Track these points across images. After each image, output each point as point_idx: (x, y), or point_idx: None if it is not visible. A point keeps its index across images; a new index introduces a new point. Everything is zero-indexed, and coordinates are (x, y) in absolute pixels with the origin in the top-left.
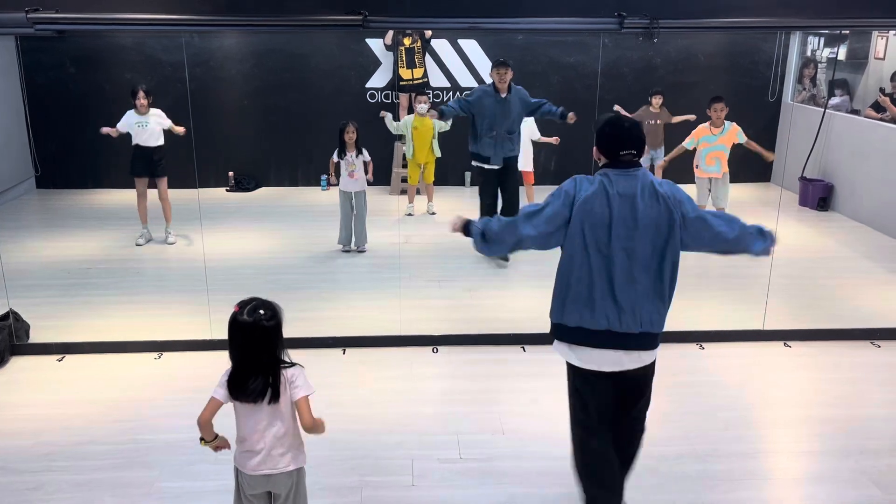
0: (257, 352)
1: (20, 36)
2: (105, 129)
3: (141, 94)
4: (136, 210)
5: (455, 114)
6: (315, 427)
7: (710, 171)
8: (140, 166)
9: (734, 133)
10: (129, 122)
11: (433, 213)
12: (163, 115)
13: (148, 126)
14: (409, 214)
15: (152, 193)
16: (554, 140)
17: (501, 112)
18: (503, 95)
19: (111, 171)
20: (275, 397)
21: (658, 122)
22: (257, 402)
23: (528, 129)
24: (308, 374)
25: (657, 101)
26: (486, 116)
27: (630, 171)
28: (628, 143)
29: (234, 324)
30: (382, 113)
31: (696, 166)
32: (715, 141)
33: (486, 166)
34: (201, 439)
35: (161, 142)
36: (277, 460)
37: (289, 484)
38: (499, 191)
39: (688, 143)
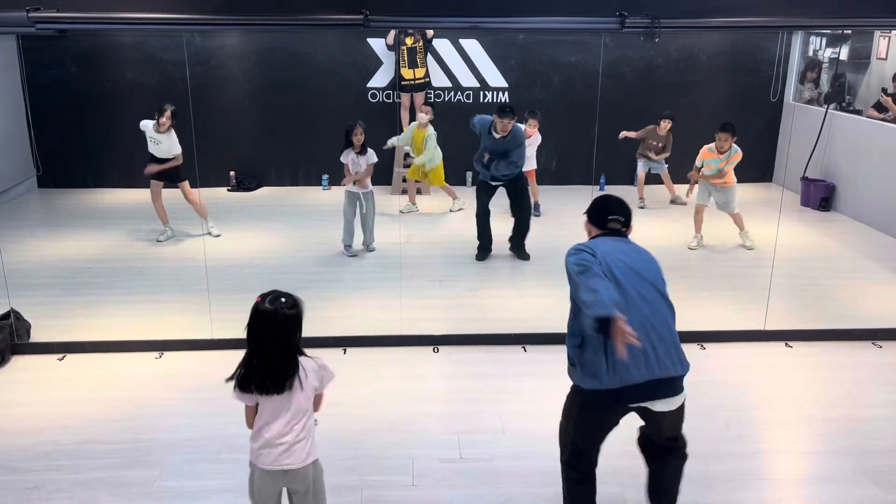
0: (280, 340)
1: (21, 35)
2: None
3: (167, 114)
4: (137, 209)
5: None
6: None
7: (712, 179)
8: (155, 171)
9: (737, 158)
10: (145, 130)
11: (461, 209)
12: (175, 139)
13: (161, 145)
14: (410, 211)
15: (167, 192)
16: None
17: (500, 146)
18: (503, 137)
19: (112, 171)
20: (299, 387)
21: (661, 144)
22: (282, 393)
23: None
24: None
25: (666, 125)
26: (486, 147)
27: (619, 238)
28: (616, 209)
29: (257, 313)
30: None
31: (699, 171)
32: (719, 164)
33: (485, 181)
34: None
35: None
36: (299, 453)
37: (309, 477)
38: (512, 206)
39: (698, 163)
